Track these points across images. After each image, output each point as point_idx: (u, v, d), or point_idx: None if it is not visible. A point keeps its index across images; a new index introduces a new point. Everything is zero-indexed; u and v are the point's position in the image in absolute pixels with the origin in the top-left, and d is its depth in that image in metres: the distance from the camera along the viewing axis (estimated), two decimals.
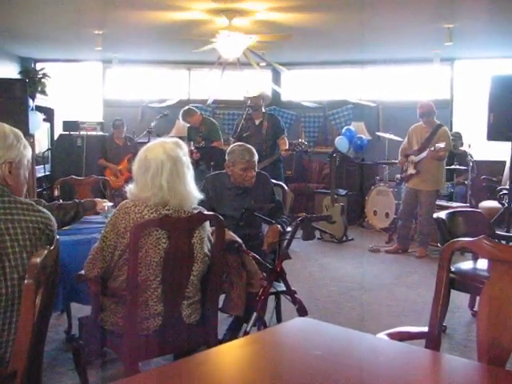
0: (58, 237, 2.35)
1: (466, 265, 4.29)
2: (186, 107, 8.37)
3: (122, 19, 7.49)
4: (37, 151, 8.84)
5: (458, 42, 8.01)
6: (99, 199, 3.94)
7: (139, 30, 8.21)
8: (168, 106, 9.60)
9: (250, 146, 4.26)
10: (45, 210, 2.34)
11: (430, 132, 7.23)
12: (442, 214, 4.54)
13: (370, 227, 9.11)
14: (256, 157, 4.19)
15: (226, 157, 4.23)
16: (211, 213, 2.99)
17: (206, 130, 7.97)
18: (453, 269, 4.21)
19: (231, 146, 4.41)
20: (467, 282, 3.89)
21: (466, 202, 8.17)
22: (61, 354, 4.03)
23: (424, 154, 7.08)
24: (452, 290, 2.32)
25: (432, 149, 6.94)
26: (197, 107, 10.24)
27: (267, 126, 7.32)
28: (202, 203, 3.00)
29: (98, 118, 10.84)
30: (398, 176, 8.00)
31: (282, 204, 4.44)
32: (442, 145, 6.86)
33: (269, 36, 7.59)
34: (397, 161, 8.02)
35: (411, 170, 7.32)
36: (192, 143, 8.13)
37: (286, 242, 3.68)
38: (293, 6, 6.81)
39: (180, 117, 8.28)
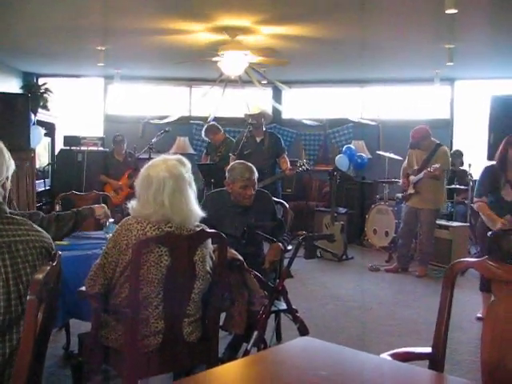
0: (60, 253, 2.34)
1: None
2: (211, 123, 8.42)
3: (124, 35, 7.52)
4: (37, 166, 8.83)
5: (459, 62, 8.04)
6: (97, 205, 3.93)
7: (141, 47, 8.25)
8: (169, 123, 9.61)
9: (250, 164, 4.25)
10: (39, 228, 2.35)
11: (428, 153, 7.23)
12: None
13: (369, 246, 9.09)
14: (256, 175, 4.18)
15: (227, 174, 4.22)
16: (213, 230, 2.97)
17: (226, 152, 7.95)
18: None
19: (231, 163, 4.40)
20: None
21: (466, 222, 8.17)
22: (59, 370, 4.01)
23: (421, 175, 7.10)
24: (453, 308, 2.28)
25: (428, 169, 6.95)
26: (198, 124, 10.31)
27: (268, 144, 7.34)
28: (202, 221, 2.99)
29: (99, 134, 10.85)
30: (399, 195, 8.02)
31: (284, 222, 4.43)
32: (437, 165, 6.88)
33: (266, 59, 7.61)
34: (397, 180, 8.03)
35: (411, 190, 7.32)
36: (208, 158, 8.19)
37: (287, 261, 3.66)
38: (294, 27, 6.87)
39: (203, 132, 8.33)
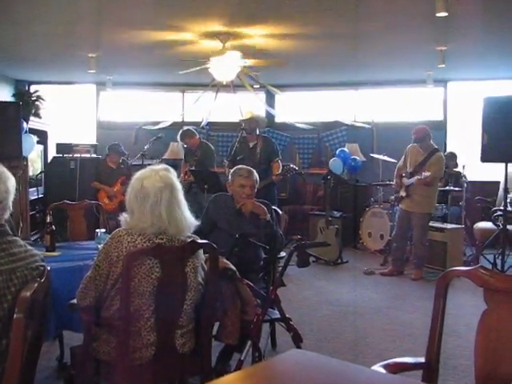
0: (48, 268, 2.32)
1: None
2: (186, 128, 8.36)
3: (114, 42, 7.49)
4: (30, 174, 8.79)
5: (451, 64, 8.05)
6: None
7: (133, 53, 8.22)
8: (162, 129, 9.58)
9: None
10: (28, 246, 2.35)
11: (424, 156, 7.24)
12: None
13: (364, 249, 9.08)
14: (255, 176, 4.26)
15: (229, 177, 4.32)
16: (205, 241, 2.95)
17: (202, 156, 7.97)
18: None
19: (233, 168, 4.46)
20: None
21: (460, 223, 8.16)
22: (53, 381, 3.98)
23: (412, 181, 7.12)
24: (446, 315, 2.26)
25: (419, 177, 6.97)
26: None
27: (261, 149, 7.31)
28: (205, 219, 2.98)
29: (92, 141, 10.81)
30: (393, 197, 8.04)
31: (276, 221, 4.40)
32: (427, 173, 6.91)
33: (262, 61, 7.60)
34: (391, 182, 8.04)
35: (402, 193, 7.33)
36: (188, 164, 8.13)
37: (280, 269, 3.64)
38: (287, 32, 6.86)
39: (178, 137, 8.27)
